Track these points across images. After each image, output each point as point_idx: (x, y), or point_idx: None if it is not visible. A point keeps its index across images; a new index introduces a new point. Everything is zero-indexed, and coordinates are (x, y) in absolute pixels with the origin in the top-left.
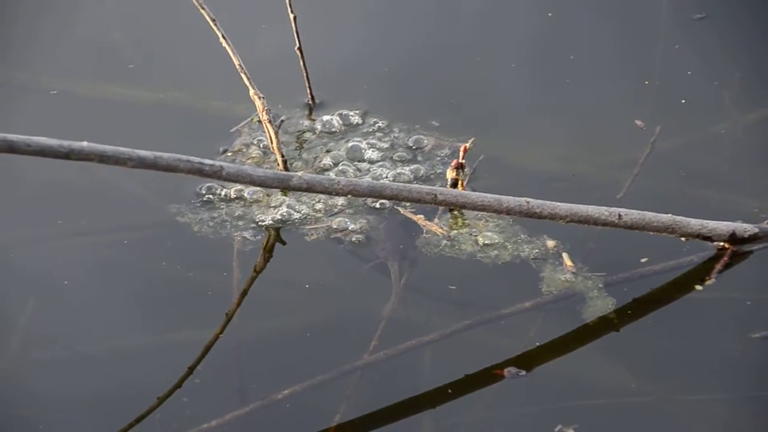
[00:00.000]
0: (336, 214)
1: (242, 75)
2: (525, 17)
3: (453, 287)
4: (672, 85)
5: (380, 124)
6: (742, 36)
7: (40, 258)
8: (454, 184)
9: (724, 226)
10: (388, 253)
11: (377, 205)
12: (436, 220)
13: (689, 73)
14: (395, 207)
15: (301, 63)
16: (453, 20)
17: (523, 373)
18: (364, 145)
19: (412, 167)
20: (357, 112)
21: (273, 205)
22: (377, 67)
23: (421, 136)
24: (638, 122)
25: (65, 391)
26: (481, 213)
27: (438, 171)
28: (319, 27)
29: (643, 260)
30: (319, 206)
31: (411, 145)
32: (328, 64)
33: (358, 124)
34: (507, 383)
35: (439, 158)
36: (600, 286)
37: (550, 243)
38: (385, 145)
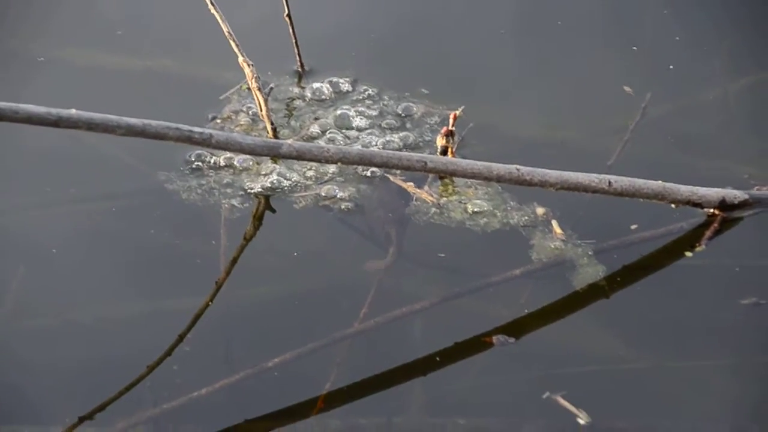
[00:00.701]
0: (326, 182)
1: (231, 42)
2: None
3: (442, 255)
4: (661, 51)
5: (370, 92)
6: (732, 1)
7: (29, 226)
8: (444, 152)
9: (714, 193)
10: (382, 221)
11: (368, 173)
12: (426, 187)
13: (677, 39)
14: (386, 174)
15: (291, 30)
16: None
17: (512, 340)
18: (352, 112)
19: (401, 134)
20: (347, 79)
21: (263, 172)
22: (367, 34)
23: (411, 104)
24: (626, 88)
25: (54, 359)
26: (471, 180)
27: (427, 138)
28: None
29: (632, 227)
30: (310, 173)
31: (400, 112)
32: (317, 31)
33: (348, 92)
34: (497, 351)
35: (428, 126)
36: (590, 253)
37: (540, 210)
38: (374, 113)
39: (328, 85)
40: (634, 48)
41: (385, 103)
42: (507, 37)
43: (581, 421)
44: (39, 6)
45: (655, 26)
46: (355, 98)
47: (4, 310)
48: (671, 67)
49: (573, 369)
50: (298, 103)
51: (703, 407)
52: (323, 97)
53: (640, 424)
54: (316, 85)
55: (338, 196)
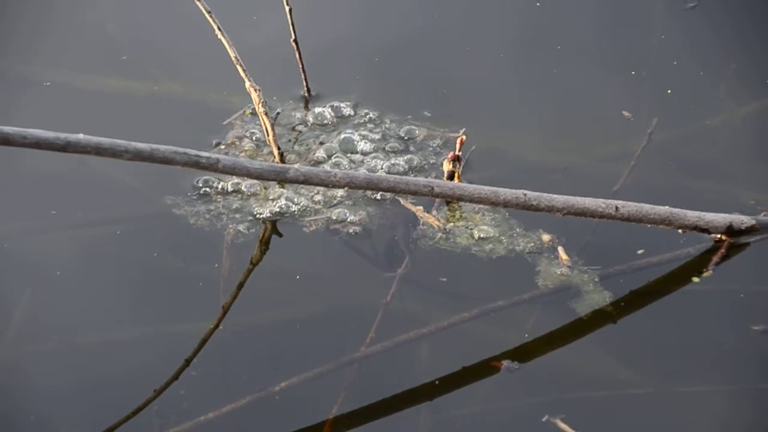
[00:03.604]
0: (335, 205)
1: (238, 67)
2: (513, 6)
3: (444, 279)
4: (662, 76)
5: (371, 115)
6: (735, 25)
7: (35, 249)
8: (451, 177)
9: (721, 218)
10: (390, 242)
11: (377, 197)
12: (434, 212)
13: (675, 63)
14: (395, 198)
15: (297, 55)
16: (443, 10)
17: (516, 365)
18: (356, 136)
19: (405, 158)
20: (348, 103)
21: (271, 197)
22: (367, 58)
23: (413, 127)
24: (625, 113)
25: (60, 383)
26: (479, 206)
27: (431, 161)
28: (307, 17)
29: (639, 252)
30: (318, 198)
31: (403, 135)
32: (320, 55)
33: (349, 116)
34: (503, 376)
35: (431, 149)
36: (596, 279)
37: (546, 237)
38: (377, 136)
39: (329, 110)
40: (633, 72)
41: (387, 126)
42: (506, 61)
43: None
44: (45, 31)
45: (657, 51)
46: (356, 122)
47: (10, 333)
48: (669, 91)
49: (582, 394)
50: (301, 127)
51: None
52: (325, 121)
53: None
54: (318, 109)
55: (348, 219)
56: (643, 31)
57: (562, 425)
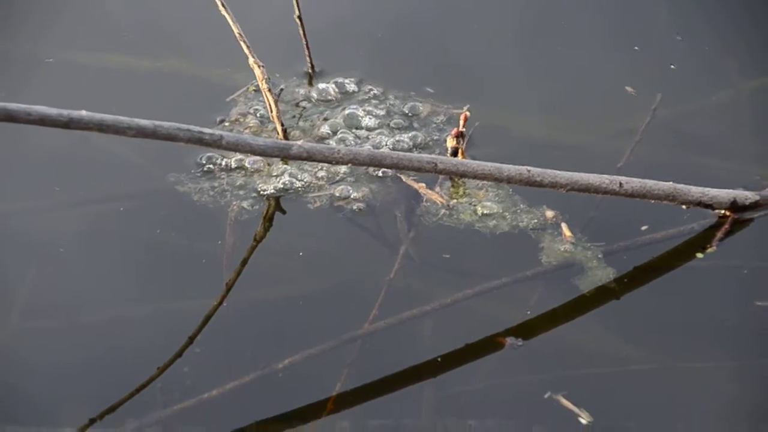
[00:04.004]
0: (338, 182)
1: (242, 43)
2: None
3: (447, 256)
4: (666, 51)
5: (375, 92)
6: (746, 2)
7: (39, 227)
8: (455, 153)
9: (725, 194)
10: (402, 212)
11: (379, 173)
12: (437, 188)
13: (679, 39)
14: (398, 175)
15: (301, 31)
16: None
17: (520, 342)
18: (361, 112)
19: (410, 134)
20: (352, 79)
21: (275, 174)
22: (371, 34)
23: (417, 103)
24: (629, 89)
25: (64, 361)
26: (482, 182)
27: (435, 138)
28: None
29: (643, 228)
30: (321, 174)
31: (407, 112)
32: (323, 30)
33: (353, 92)
34: (507, 353)
35: (435, 125)
36: (599, 256)
37: (549, 213)
38: (382, 113)
39: (333, 86)
40: (636, 48)
41: (391, 102)
42: (511, 37)
43: (583, 421)
44: (47, 8)
45: (663, 27)
46: (361, 98)
47: (15, 311)
48: (673, 67)
49: (586, 370)
50: (305, 104)
51: (712, 409)
52: (329, 97)
53: (649, 425)
54: (321, 85)
55: (352, 196)
56: (646, 6)
57: (565, 402)
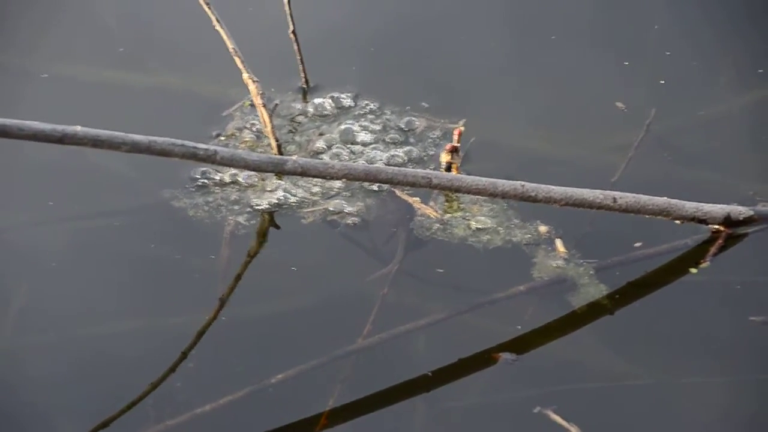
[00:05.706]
0: (333, 197)
1: (236, 59)
2: None
3: (440, 271)
4: (658, 66)
5: (372, 107)
6: (731, 15)
7: (33, 242)
8: (449, 168)
9: (719, 209)
10: (387, 234)
11: (374, 188)
12: (431, 203)
13: (668, 53)
14: (392, 189)
15: (296, 47)
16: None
17: (514, 357)
18: (356, 127)
19: (405, 149)
20: (349, 94)
21: (269, 189)
22: (364, 49)
23: (413, 118)
24: (619, 104)
25: (57, 376)
26: (476, 197)
27: (430, 153)
28: (303, 7)
29: (636, 244)
30: (315, 189)
31: (403, 126)
32: (316, 45)
33: (350, 107)
34: (500, 368)
35: (431, 140)
36: (591, 272)
37: (543, 228)
38: (378, 128)
39: (330, 101)
40: (626, 63)
41: (387, 117)
42: (504, 52)
43: None
44: (42, 23)
45: (655, 41)
46: (357, 113)
47: (7, 325)
48: (662, 82)
49: (579, 386)
50: (301, 118)
51: (705, 425)
52: (325, 112)
53: None
54: (317, 100)
55: (346, 210)
56: (638, 20)
57: (554, 416)
